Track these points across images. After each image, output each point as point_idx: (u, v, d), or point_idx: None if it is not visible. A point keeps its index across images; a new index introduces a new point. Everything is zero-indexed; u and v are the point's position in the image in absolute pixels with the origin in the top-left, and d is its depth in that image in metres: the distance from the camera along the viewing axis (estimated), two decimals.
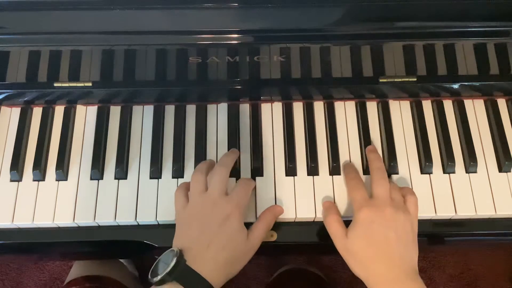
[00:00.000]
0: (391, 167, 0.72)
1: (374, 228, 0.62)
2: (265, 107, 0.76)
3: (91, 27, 0.63)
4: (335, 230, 0.65)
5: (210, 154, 0.73)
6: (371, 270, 0.61)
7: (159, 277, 0.57)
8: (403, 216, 0.63)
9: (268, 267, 1.27)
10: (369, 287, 0.62)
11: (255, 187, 0.70)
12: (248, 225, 0.66)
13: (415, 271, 0.61)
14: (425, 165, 0.72)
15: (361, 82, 0.74)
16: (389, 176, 0.72)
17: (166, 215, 0.69)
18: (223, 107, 0.76)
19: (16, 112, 0.76)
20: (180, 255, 0.58)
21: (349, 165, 0.72)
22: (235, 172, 0.71)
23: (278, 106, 0.76)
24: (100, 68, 0.70)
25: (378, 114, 0.76)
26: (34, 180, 0.71)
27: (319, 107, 0.76)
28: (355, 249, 0.62)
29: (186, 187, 0.67)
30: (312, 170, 0.72)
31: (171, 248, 0.60)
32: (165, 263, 0.58)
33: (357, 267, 0.62)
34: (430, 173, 0.72)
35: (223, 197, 0.63)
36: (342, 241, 0.63)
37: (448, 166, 0.72)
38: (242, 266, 0.63)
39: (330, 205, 0.69)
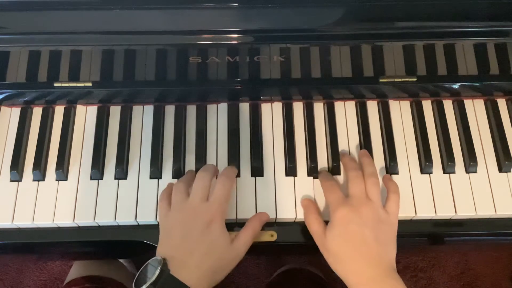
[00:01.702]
0: (391, 167, 0.72)
1: (350, 228, 0.62)
2: (265, 107, 0.76)
3: (91, 27, 0.63)
4: (315, 229, 0.65)
5: (210, 154, 0.73)
6: (350, 269, 0.62)
7: (143, 287, 0.56)
8: (379, 215, 0.64)
9: (268, 267, 1.27)
10: (349, 286, 0.62)
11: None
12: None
13: (393, 268, 0.62)
14: (425, 165, 0.72)
15: (361, 82, 0.74)
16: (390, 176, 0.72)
17: None
18: (223, 107, 0.76)
19: (16, 112, 0.76)
20: (164, 264, 0.58)
21: (323, 170, 0.72)
22: None
23: (278, 106, 0.76)
24: (100, 68, 0.70)
25: (378, 114, 0.76)
26: (34, 180, 0.71)
27: (319, 107, 0.76)
28: (334, 249, 0.63)
29: (168, 195, 0.67)
30: (312, 170, 0.72)
31: (155, 257, 0.59)
32: (149, 273, 0.57)
33: (337, 266, 0.63)
34: (430, 173, 0.72)
35: (204, 203, 0.63)
36: (322, 240, 0.64)
37: (448, 166, 0.72)
38: (227, 272, 0.63)
39: (308, 203, 0.69)
